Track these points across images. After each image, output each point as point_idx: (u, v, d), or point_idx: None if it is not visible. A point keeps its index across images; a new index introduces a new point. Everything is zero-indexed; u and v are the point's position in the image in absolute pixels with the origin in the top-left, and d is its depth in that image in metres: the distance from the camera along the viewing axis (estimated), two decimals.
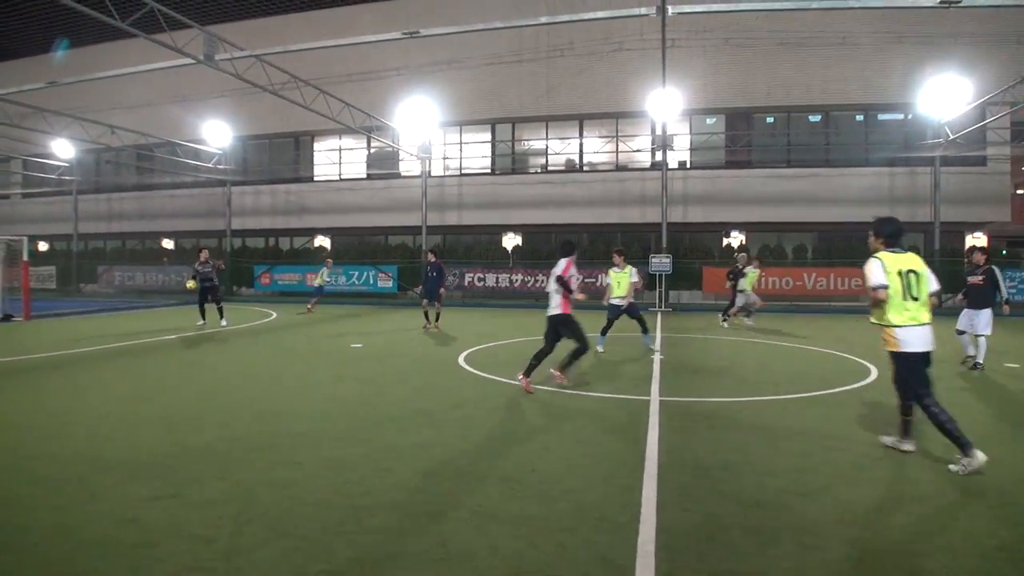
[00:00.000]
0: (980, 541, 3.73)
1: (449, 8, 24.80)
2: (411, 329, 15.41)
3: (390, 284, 25.06)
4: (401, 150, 26.06)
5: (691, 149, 25.52)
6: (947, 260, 21.63)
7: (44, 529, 3.83)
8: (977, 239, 24.65)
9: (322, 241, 29.41)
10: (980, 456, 4.75)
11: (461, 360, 10.34)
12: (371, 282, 25.50)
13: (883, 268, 5.14)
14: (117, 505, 4.20)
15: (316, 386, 8.40)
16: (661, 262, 21.57)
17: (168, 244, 32.24)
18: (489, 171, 27.15)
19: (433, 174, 26.94)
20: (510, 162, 27.15)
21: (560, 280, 7.87)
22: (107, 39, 28.46)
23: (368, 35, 19.14)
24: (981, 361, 9.64)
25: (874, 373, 9.39)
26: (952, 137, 21.65)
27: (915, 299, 5.14)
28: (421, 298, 15.84)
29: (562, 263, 8.04)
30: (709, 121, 25.46)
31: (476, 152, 27.46)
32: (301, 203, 29.10)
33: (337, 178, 28.95)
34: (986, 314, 9.50)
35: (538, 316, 18.82)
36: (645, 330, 11.93)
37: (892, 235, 5.39)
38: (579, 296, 8.13)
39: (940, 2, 14.11)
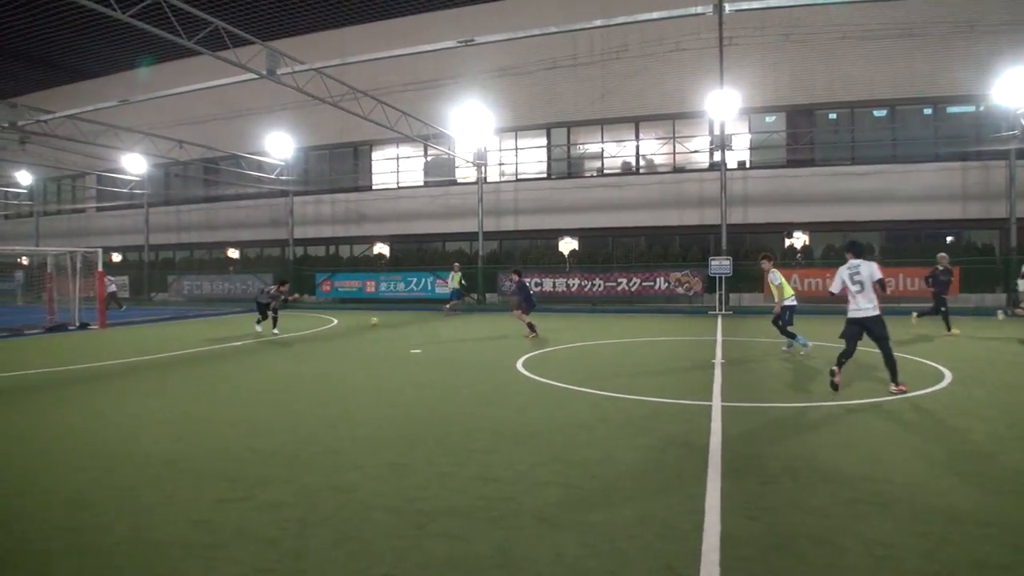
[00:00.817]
0: None
1: (503, 15, 25.01)
2: (467, 336, 15.54)
3: (447, 291, 25.26)
4: (457, 157, 26.33)
5: (751, 148, 25.00)
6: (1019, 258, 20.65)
7: (122, 530, 3.98)
8: None
9: (381, 248, 29.92)
10: None
11: (519, 366, 10.34)
12: (429, 288, 25.80)
13: None
14: (190, 507, 4.34)
15: (378, 391, 8.53)
16: (721, 264, 21.19)
17: (234, 253, 33.28)
18: (545, 176, 27.18)
19: (489, 180, 27.12)
20: (566, 166, 27.14)
21: (880, 282, 7.91)
22: (174, 57, 29.60)
23: (423, 44, 19.38)
24: None
25: (948, 377, 9.01)
26: None
27: None
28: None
29: (873, 265, 7.99)
30: (769, 119, 24.92)
31: (532, 157, 27.51)
32: (360, 211, 29.71)
33: (395, 186, 29.44)
34: None
35: (596, 320, 18.89)
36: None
37: None
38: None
39: None
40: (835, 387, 7.83)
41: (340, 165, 30.74)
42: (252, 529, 3.95)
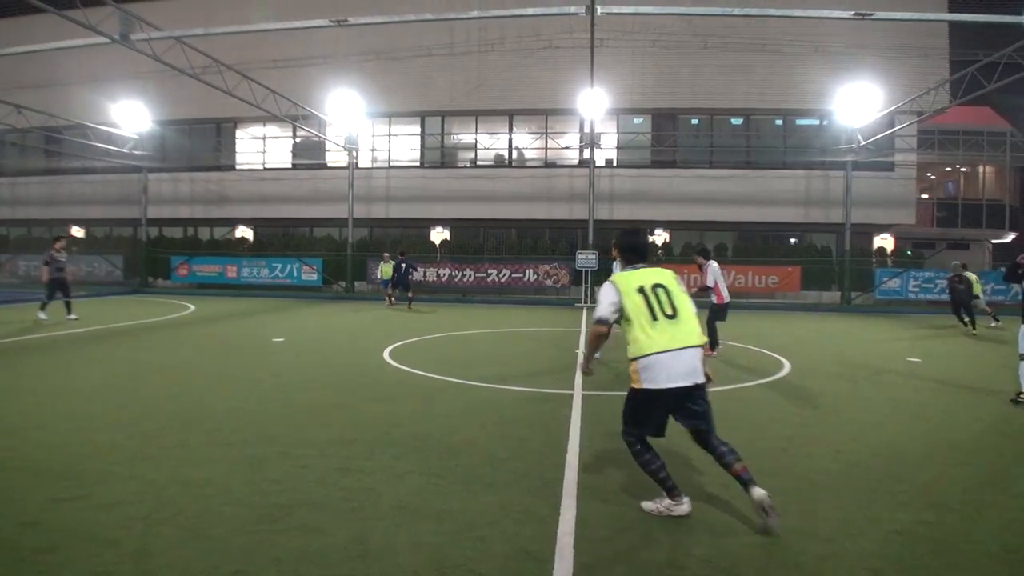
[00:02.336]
0: (878, 522, 3.92)
1: None
2: (334, 324, 15.21)
3: (315, 277, 24.56)
4: (328, 140, 25.58)
5: (618, 148, 25.96)
6: (856, 259, 22.75)
7: None
8: (884, 240, 25.98)
9: (244, 232, 28.59)
10: (686, 506, 4.04)
11: (386, 355, 10.22)
12: (295, 275, 24.97)
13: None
14: (19, 508, 3.98)
15: (234, 382, 8.16)
16: (587, 259, 21.86)
17: (78, 232, 30.71)
18: (418, 164, 26.95)
19: (360, 166, 26.53)
20: (439, 155, 27.04)
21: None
22: (12, 13, 26.85)
23: (295, 21, 18.64)
24: None
25: (788, 366, 9.79)
26: (863, 143, 22.71)
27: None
28: (392, 288, 19.96)
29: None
30: (636, 121, 25.96)
31: (405, 144, 27.20)
32: (222, 192, 28.22)
33: (261, 167, 28.19)
34: None
35: (465, 311, 19.00)
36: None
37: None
38: None
39: (854, 14, 14.69)
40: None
41: (201, 142, 29.02)
42: (89, 530, 3.67)
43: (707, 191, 24.74)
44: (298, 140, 27.92)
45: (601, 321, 4.13)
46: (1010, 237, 32.43)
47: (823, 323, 17.48)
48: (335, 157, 27.16)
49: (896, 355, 11.48)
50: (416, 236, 26.56)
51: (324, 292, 24.46)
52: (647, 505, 4.12)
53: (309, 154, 27.80)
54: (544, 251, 25.16)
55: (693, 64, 24.17)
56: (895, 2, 19.78)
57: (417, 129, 26.96)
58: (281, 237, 27.49)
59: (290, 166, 27.94)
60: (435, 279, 23.93)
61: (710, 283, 10.37)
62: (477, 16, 16.68)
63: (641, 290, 4.06)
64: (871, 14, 14.72)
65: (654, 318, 3.99)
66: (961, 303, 15.59)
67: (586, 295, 22.06)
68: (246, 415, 6.39)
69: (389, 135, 27.17)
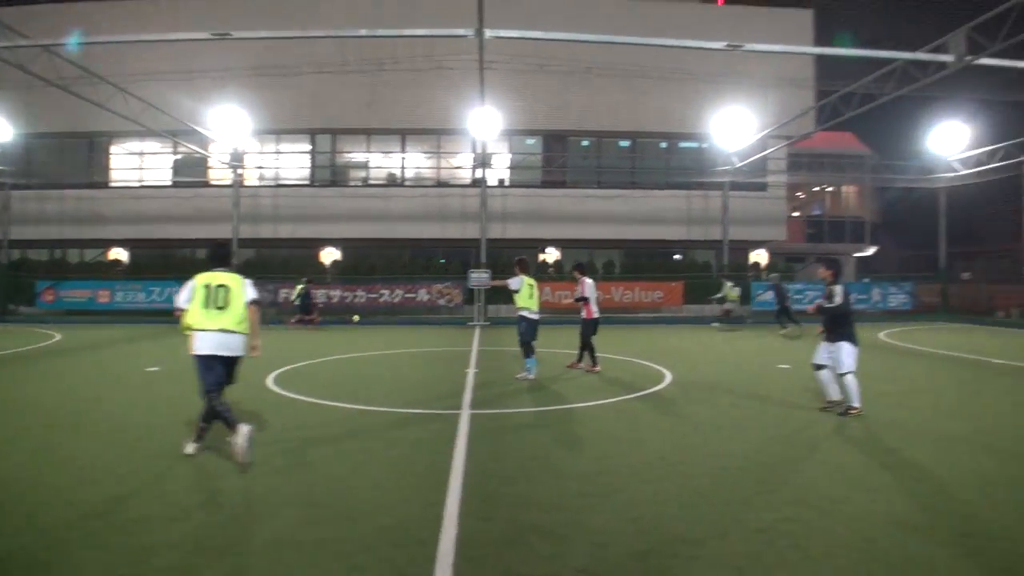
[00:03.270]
0: (745, 532, 4.15)
1: (264, 11, 23.85)
2: None
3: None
4: (211, 157, 24.61)
5: (510, 168, 26.36)
6: (734, 274, 24.01)
7: None
8: (759, 255, 27.54)
9: (118, 253, 26.96)
10: (244, 430, 5.38)
11: (270, 381, 9.85)
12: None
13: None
14: None
15: (99, 418, 7.59)
16: (480, 277, 21.96)
17: None
18: (308, 183, 26.35)
19: (246, 184, 25.63)
20: (330, 174, 26.55)
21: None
22: None
23: (173, 32, 17.89)
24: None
25: (669, 377, 10.19)
26: (739, 165, 24.06)
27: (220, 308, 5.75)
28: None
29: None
30: (529, 142, 26.45)
31: (294, 162, 26.55)
32: (95, 211, 26.49)
33: (138, 184, 26.73)
34: (843, 347, 7.54)
35: (357, 332, 18.64)
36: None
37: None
38: None
39: (726, 45, 15.57)
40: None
41: (72, 158, 27.21)
42: None
43: (596, 210, 25.48)
44: (179, 156, 26.70)
45: (177, 307, 5.90)
46: (871, 251, 35.17)
47: (703, 335, 18.27)
48: (219, 174, 26.13)
49: (768, 363, 12.17)
50: (306, 257, 25.85)
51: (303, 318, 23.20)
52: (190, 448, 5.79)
53: (191, 171, 26.60)
54: (437, 270, 25.13)
55: (580, 88, 24.91)
56: (765, 35, 21.17)
57: (307, 147, 26.41)
58: (160, 259, 26.12)
59: (170, 183, 26.65)
60: (326, 301, 23.32)
61: (587, 294, 10.79)
62: (366, 35, 16.47)
63: (207, 286, 5.74)
64: (741, 46, 15.66)
65: (206, 307, 5.69)
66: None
67: (479, 313, 22.16)
68: (110, 452, 6.00)
69: (277, 152, 26.46)
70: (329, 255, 26.15)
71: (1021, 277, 26.13)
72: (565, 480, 5.11)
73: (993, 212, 35.68)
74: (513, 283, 10.04)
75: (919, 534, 4.09)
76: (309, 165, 26.54)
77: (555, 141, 26.35)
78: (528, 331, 10.11)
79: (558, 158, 26.17)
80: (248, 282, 5.95)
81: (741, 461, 5.69)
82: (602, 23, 21.17)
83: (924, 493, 4.90)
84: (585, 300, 10.84)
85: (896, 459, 5.79)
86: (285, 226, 25.57)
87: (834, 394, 7.64)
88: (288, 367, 11.40)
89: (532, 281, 10.14)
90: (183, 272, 23.71)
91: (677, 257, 27.80)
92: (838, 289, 7.55)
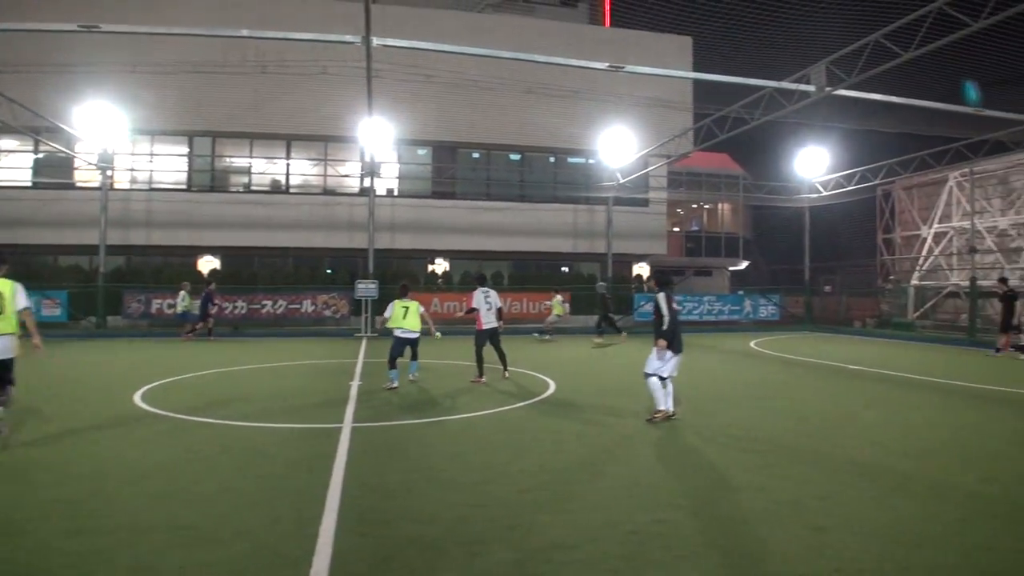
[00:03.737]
0: (613, 536, 4.29)
1: (141, 5, 22.59)
2: (80, 366, 13.66)
3: (58, 312, 21.76)
4: (77, 157, 22.98)
5: (399, 178, 26.16)
6: (618, 285, 24.85)
7: None
8: (641, 268, 28.61)
9: None
10: None
11: (138, 398, 9.32)
12: (34, 310, 21.98)
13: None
14: None
15: None
16: (367, 288, 21.66)
17: None
18: (185, 187, 25.08)
19: (117, 187, 24.10)
20: (209, 179, 25.39)
21: (499, 309, 11.46)
22: None
23: (37, 22, 16.67)
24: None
25: (552, 386, 10.41)
26: (622, 181, 24.94)
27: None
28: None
29: (494, 292, 11.40)
30: (420, 152, 26.34)
31: (170, 165, 25.23)
32: None
33: None
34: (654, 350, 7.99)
35: (237, 345, 17.90)
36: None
37: None
38: None
39: (608, 66, 16.14)
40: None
41: None
42: None
43: (485, 222, 25.67)
44: (40, 155, 24.78)
45: None
46: (743, 265, 37.25)
47: (587, 345, 18.74)
48: (86, 176, 24.45)
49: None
50: (182, 265, 24.52)
51: (71, 329, 21.64)
52: None
53: (55, 172, 24.73)
54: (323, 280, 24.54)
55: (470, 101, 25.06)
56: (646, 58, 22.10)
57: (185, 149, 25.16)
58: (21, 266, 24.08)
59: (30, 185, 24.69)
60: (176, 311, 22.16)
61: (473, 305, 11.20)
62: (248, 35, 15.92)
63: None
64: (623, 67, 16.28)
65: None
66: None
67: (366, 324, 21.80)
68: None
69: (152, 154, 25.07)
70: (208, 263, 25.01)
71: (874, 290, 28.38)
72: (445, 491, 5.13)
73: (852, 230, 38.64)
74: (387, 311, 11.02)
75: (780, 528, 4.38)
76: (187, 169, 25.28)
77: (445, 152, 26.39)
78: (395, 347, 10.77)
79: (448, 169, 26.22)
80: (20, 287, 6.60)
81: (617, 467, 5.91)
82: (490, 39, 21.46)
83: (782, 490, 5.22)
84: (474, 311, 11.18)
85: (759, 460, 6.16)
86: (159, 232, 24.21)
87: (669, 403, 7.94)
88: (159, 382, 10.81)
89: (407, 303, 10.86)
90: (43, 281, 22.20)
91: (564, 269, 28.42)
92: (660, 298, 7.93)
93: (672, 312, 7.85)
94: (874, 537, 4.27)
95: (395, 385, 10.45)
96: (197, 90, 23.71)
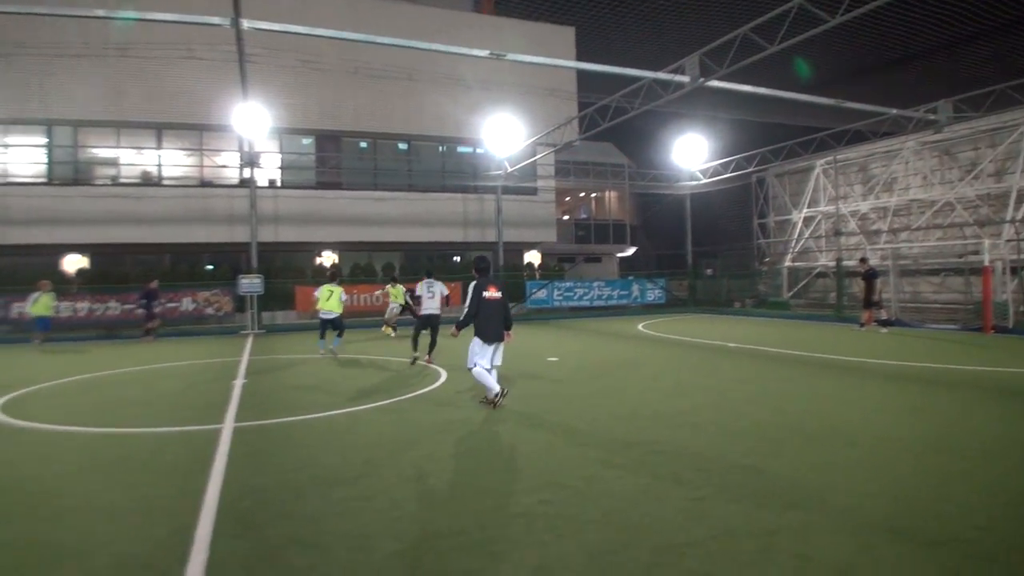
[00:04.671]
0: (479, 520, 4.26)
1: None
2: None
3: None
4: None
5: (281, 168, 25.22)
6: (510, 274, 25.02)
7: None
8: (533, 256, 28.93)
9: None
10: None
11: None
12: None
13: None
14: None
15: None
16: (252, 283, 20.80)
17: None
18: (45, 181, 23.18)
19: None
20: (72, 171, 23.59)
21: (446, 296, 12.74)
22: None
23: None
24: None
25: (444, 376, 10.34)
26: (511, 170, 25.06)
27: None
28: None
29: (441, 284, 12.50)
30: (305, 141, 25.49)
31: (26, 157, 23.26)
32: None
33: None
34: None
35: (111, 349, 16.76)
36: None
37: None
38: None
39: (490, 54, 16.12)
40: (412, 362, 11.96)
41: None
42: None
43: (374, 213, 25.19)
44: None
45: None
46: (631, 251, 38.39)
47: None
48: None
49: (538, 356, 12.84)
50: (43, 265, 22.62)
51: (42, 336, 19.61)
52: None
53: None
54: (203, 277, 23.39)
55: (355, 89, 24.48)
56: (530, 47, 22.24)
57: (42, 140, 23.26)
58: None
59: None
60: (71, 315, 20.71)
61: (417, 292, 12.70)
62: (104, 16, 14.85)
63: None
64: (505, 55, 16.32)
65: None
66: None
67: (252, 321, 20.96)
68: None
69: (4, 146, 23.03)
70: (75, 262, 23.30)
71: (752, 272, 29.93)
72: (329, 488, 4.98)
73: (730, 216, 40.55)
74: (315, 292, 13.79)
75: (663, 503, 4.52)
76: (45, 161, 23.37)
77: (329, 141, 25.65)
78: (321, 325, 13.75)
79: (332, 159, 25.52)
80: None
81: (505, 451, 5.97)
82: (371, 24, 21.01)
83: (660, 464, 5.41)
84: (418, 298, 12.73)
85: (641, 437, 6.35)
86: (16, 230, 22.26)
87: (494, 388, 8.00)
88: (21, 391, 9.95)
89: (333, 288, 13.50)
90: None
91: (457, 259, 28.35)
92: (471, 286, 8.05)
93: (482, 301, 7.84)
94: (747, 500, 4.49)
95: (322, 352, 13.53)
96: (53, 75, 21.94)
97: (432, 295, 12.16)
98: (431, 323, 12.14)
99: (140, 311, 19.13)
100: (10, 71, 21.54)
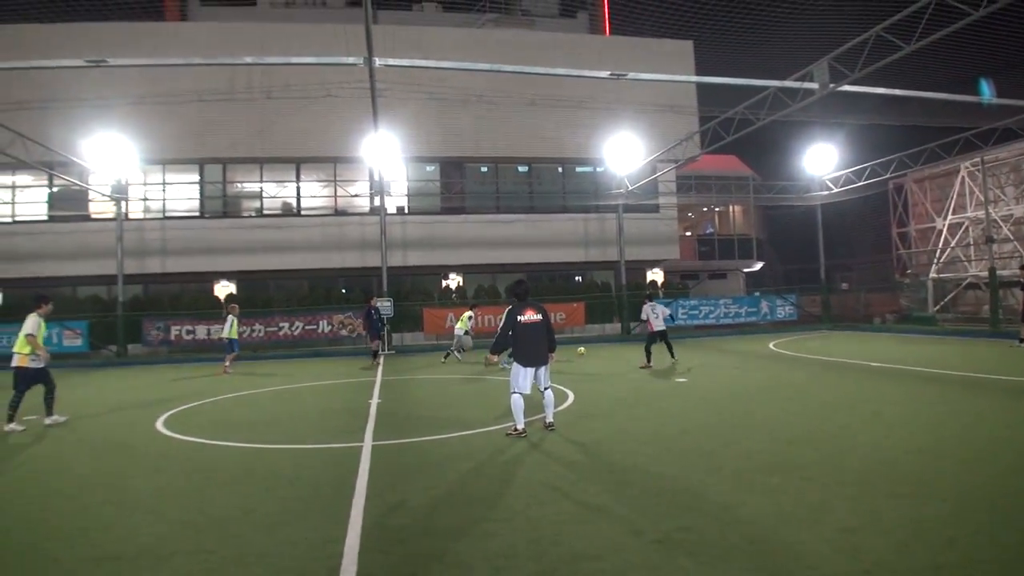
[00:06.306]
0: (631, 544, 4.26)
1: (144, 37, 22.98)
2: (103, 394, 13.77)
3: (79, 342, 22.04)
4: (92, 189, 23.26)
5: (408, 195, 26.27)
6: (633, 293, 24.77)
7: None
8: (656, 274, 28.52)
9: None
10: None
11: (160, 424, 9.39)
12: (55, 341, 22.20)
13: None
14: None
15: None
16: (383, 306, 21.71)
17: None
18: (198, 214, 25.33)
19: (131, 217, 24.41)
20: (221, 205, 25.63)
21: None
22: None
23: (45, 59, 16.95)
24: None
25: (571, 398, 10.37)
26: (631, 188, 24.90)
27: None
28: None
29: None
30: (429, 168, 26.48)
31: (182, 193, 25.50)
32: None
33: (10, 220, 24.95)
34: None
35: (255, 367, 17.98)
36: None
37: None
38: None
39: (610, 75, 16.17)
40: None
41: None
42: None
43: (496, 235, 25.72)
44: (55, 189, 25.15)
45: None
46: (758, 266, 37.05)
47: (604, 352, 18.65)
48: (101, 208, 24.79)
49: (666, 376, 12.63)
50: (198, 291, 24.80)
51: (92, 358, 21.92)
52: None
53: (70, 205, 25.09)
54: (338, 300, 24.68)
55: (475, 116, 25.19)
56: (648, 64, 22.16)
57: (196, 177, 25.44)
58: (35, 299, 24.32)
59: (46, 218, 25.03)
60: (221, 337, 22.33)
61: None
62: (252, 62, 16.14)
63: None
64: (625, 74, 16.32)
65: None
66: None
67: (383, 342, 21.83)
68: None
69: (164, 183, 25.36)
70: (224, 288, 25.22)
71: (892, 285, 28.14)
72: (468, 506, 5.12)
73: (865, 225, 38.38)
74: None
75: (807, 531, 4.32)
76: (199, 196, 25.54)
77: (452, 167, 26.51)
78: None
79: (456, 184, 26.33)
80: (29, 319, 9.67)
81: (637, 476, 5.88)
82: (492, 54, 21.60)
83: (809, 491, 5.18)
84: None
85: (781, 460, 6.10)
86: (175, 260, 24.46)
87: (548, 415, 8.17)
88: (180, 408, 10.90)
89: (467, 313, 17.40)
90: (64, 312, 22.34)
91: (578, 279, 28.40)
92: (504, 313, 7.96)
93: (517, 325, 7.77)
94: (903, 537, 4.24)
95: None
96: (205, 118, 24.03)
97: (656, 315, 14.80)
98: (662, 337, 14.91)
99: (364, 331, 19.38)
100: (166, 117, 23.71)
